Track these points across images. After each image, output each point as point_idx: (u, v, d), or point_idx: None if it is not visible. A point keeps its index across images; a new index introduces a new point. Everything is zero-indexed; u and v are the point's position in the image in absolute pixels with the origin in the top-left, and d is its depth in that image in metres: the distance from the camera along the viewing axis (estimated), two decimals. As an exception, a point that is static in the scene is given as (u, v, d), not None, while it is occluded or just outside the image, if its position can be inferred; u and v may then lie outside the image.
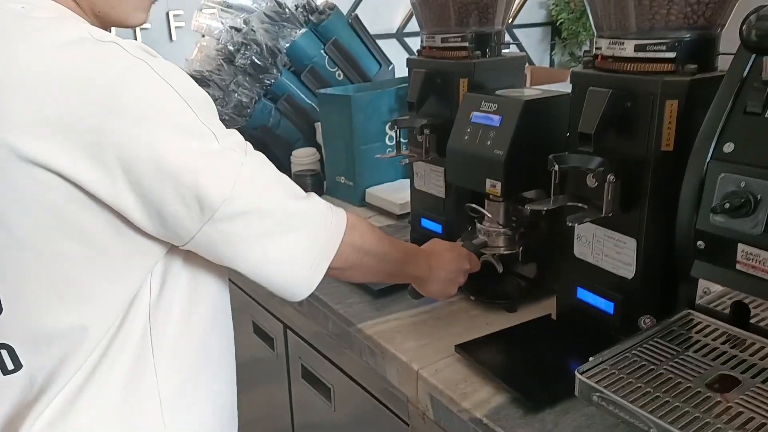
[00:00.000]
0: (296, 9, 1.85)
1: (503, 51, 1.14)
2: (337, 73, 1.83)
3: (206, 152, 0.63)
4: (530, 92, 0.97)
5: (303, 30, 1.80)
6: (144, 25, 3.78)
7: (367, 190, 1.54)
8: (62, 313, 0.65)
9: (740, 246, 0.64)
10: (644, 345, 0.67)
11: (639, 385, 0.60)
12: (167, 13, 4.14)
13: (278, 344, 1.36)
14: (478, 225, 1.03)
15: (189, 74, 1.67)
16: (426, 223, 1.21)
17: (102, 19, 0.71)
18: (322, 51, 1.80)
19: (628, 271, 0.82)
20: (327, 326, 1.08)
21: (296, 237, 0.70)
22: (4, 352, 0.66)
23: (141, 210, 0.62)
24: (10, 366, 0.66)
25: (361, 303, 1.05)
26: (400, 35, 4.89)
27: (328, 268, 0.73)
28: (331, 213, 0.75)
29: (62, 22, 0.63)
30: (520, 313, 0.99)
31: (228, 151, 0.65)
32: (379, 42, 1.98)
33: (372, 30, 1.98)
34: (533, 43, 5.71)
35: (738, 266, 0.65)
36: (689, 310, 0.72)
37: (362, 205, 1.55)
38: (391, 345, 0.92)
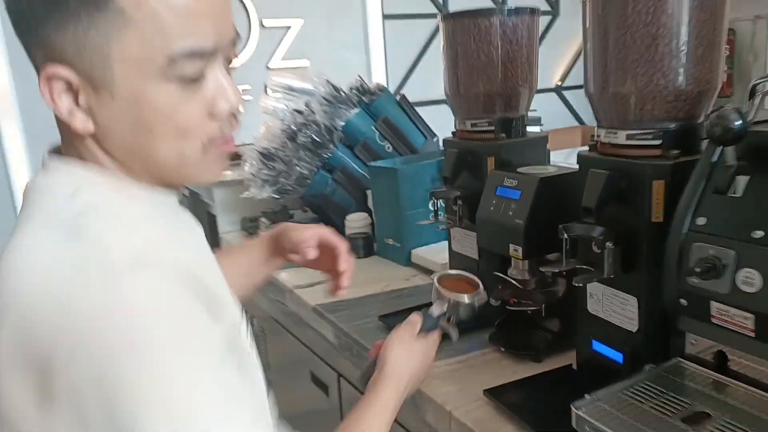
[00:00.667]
0: (350, 91, 2.08)
1: (528, 130, 1.31)
2: (387, 146, 2.03)
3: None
4: (548, 170, 1.13)
5: (356, 110, 2.02)
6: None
7: (412, 251, 1.70)
8: None
9: (713, 303, 0.77)
10: (636, 387, 0.80)
11: (625, 418, 0.73)
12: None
13: (332, 391, 1.51)
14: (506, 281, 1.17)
15: (258, 151, 1.89)
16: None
17: (164, 183, 0.66)
18: (373, 127, 2.01)
19: (632, 325, 0.94)
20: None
21: None
22: None
23: None
24: None
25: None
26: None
27: None
28: None
29: (80, 227, 0.56)
30: (545, 363, 1.12)
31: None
32: (431, 107, 2.18)
33: (424, 97, 2.19)
34: (583, 104, 5.86)
35: (713, 320, 0.78)
36: (679, 359, 0.84)
37: (408, 265, 1.72)
38: (428, 389, 1.06)
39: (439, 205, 1.34)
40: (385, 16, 5.28)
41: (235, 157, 2.44)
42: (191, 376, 0.53)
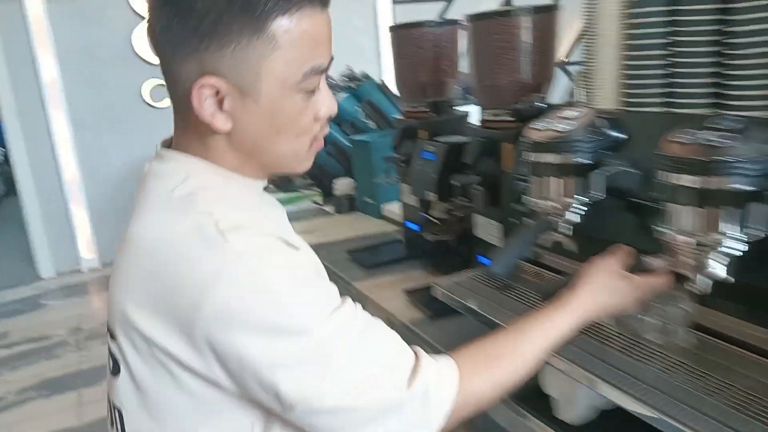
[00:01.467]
0: (340, 78, 2.54)
1: (456, 110, 1.75)
2: (371, 123, 2.49)
3: (291, 350, 0.64)
4: (458, 139, 1.57)
5: (345, 94, 2.47)
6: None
7: (383, 206, 2.17)
8: None
9: (524, 219, 1.21)
10: (479, 276, 1.25)
11: (464, 289, 1.18)
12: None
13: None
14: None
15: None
16: (408, 224, 1.82)
17: (266, 174, 0.79)
18: (358, 108, 2.47)
19: (498, 242, 1.39)
20: None
21: (390, 424, 0.68)
22: None
23: (233, 386, 0.66)
24: None
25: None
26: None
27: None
28: (436, 387, 0.70)
29: (193, 203, 0.69)
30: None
31: (320, 345, 0.65)
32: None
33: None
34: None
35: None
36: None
37: (380, 218, 2.18)
38: (372, 294, 1.53)
39: (390, 167, 1.80)
40: (395, 1, 5.64)
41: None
42: (293, 289, 0.66)
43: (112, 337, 0.74)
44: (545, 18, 1.28)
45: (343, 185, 2.33)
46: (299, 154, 0.76)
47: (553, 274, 1.17)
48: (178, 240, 0.66)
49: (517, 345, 0.79)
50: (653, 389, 0.79)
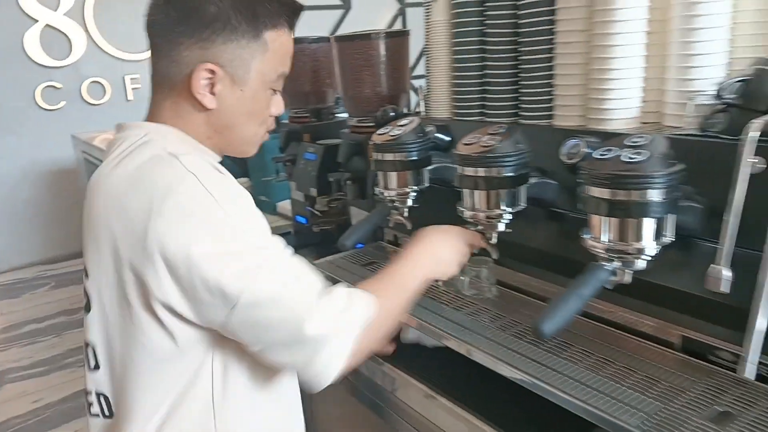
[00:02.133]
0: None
1: (337, 115, 1.99)
2: (264, 126, 2.68)
3: (232, 252, 0.76)
4: (335, 142, 1.81)
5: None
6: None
7: (277, 203, 2.38)
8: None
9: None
10: (352, 256, 1.50)
11: (337, 265, 1.42)
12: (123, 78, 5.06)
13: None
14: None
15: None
16: (297, 218, 2.04)
17: (221, 151, 0.93)
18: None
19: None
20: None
21: (319, 315, 0.80)
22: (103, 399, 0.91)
23: (182, 300, 0.77)
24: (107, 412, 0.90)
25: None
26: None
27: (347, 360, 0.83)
28: (348, 311, 0.83)
29: (148, 144, 0.84)
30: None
31: (254, 249, 0.78)
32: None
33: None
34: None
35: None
36: (380, 242, 1.55)
37: (275, 214, 2.39)
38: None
39: (280, 167, 2.02)
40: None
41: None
42: (236, 200, 0.81)
43: (86, 275, 0.88)
44: (398, 41, 1.55)
45: (242, 185, 2.51)
46: (254, 139, 0.93)
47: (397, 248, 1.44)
48: (138, 168, 0.81)
49: (397, 282, 0.96)
50: (467, 330, 1.07)
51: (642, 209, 0.77)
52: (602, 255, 0.82)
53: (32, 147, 4.82)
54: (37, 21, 4.69)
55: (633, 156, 0.77)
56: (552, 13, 1.13)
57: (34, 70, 4.74)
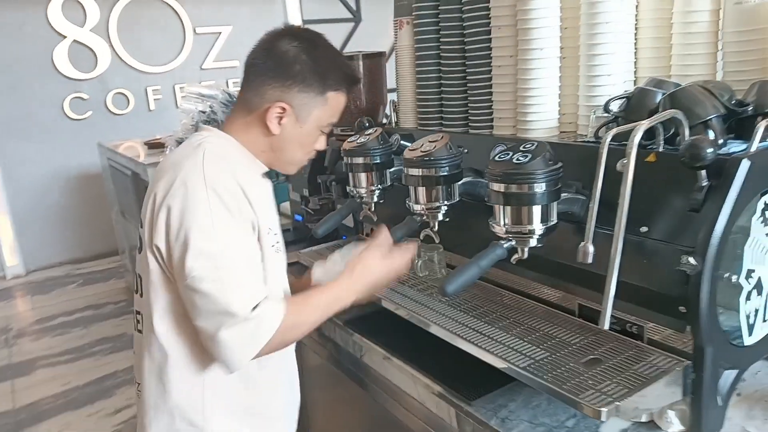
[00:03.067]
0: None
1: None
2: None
3: (200, 247, 1.02)
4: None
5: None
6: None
7: (280, 204, 2.62)
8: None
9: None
10: (333, 247, 1.73)
11: (318, 254, 1.66)
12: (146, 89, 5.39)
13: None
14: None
15: (176, 140, 2.80)
16: (296, 217, 2.29)
17: (270, 165, 1.21)
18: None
19: (350, 222, 1.88)
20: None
21: (232, 328, 1.02)
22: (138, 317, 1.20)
23: (167, 255, 1.06)
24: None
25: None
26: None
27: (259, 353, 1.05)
28: (267, 318, 1.04)
29: (200, 146, 1.12)
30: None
31: (215, 255, 1.03)
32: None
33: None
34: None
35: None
36: (359, 235, 1.79)
37: (280, 214, 2.63)
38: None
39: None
40: (305, 21, 6.10)
41: (160, 145, 3.32)
42: (221, 223, 1.04)
43: (141, 224, 1.16)
44: (375, 61, 1.79)
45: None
46: (298, 162, 1.24)
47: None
48: (179, 159, 1.11)
49: (321, 302, 1.16)
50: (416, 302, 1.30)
51: (527, 198, 0.99)
52: (501, 235, 1.05)
53: (61, 154, 5.17)
54: (65, 37, 5.05)
55: (521, 158, 1.00)
56: (489, 41, 1.37)
57: (62, 83, 5.09)
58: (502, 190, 1.01)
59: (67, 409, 3.03)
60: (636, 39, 1.29)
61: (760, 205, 0.95)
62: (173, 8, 5.45)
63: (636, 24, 1.29)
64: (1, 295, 4.77)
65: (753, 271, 0.98)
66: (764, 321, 1.03)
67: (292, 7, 6.10)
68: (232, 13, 5.74)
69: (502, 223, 1.04)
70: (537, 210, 1.02)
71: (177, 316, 1.11)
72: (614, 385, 0.95)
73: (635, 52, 1.30)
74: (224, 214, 1.05)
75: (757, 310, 1.01)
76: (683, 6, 1.20)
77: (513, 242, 1.04)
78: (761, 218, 0.96)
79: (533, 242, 1.05)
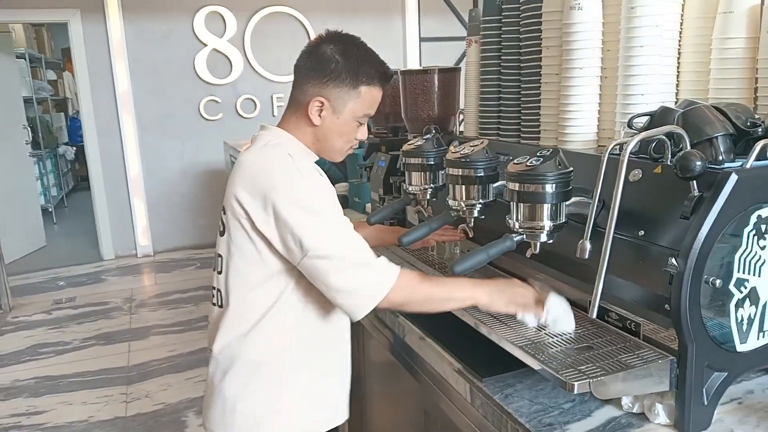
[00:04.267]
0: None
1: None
2: (366, 140, 3.18)
3: (312, 220, 1.20)
4: (396, 153, 2.24)
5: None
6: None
7: (365, 203, 2.85)
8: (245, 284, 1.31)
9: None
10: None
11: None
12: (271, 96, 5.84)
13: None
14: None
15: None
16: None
17: (319, 154, 1.38)
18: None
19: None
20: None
21: (354, 278, 1.20)
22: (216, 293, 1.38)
23: (278, 240, 1.22)
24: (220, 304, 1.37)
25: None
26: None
27: (376, 307, 1.22)
28: (386, 273, 1.22)
29: (280, 146, 1.30)
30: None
31: (326, 220, 1.22)
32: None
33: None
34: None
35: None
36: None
37: (364, 213, 2.86)
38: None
39: (364, 173, 2.48)
40: (422, 39, 6.35)
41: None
42: (320, 192, 1.25)
43: (224, 212, 1.32)
44: (449, 75, 1.96)
45: (340, 188, 3.02)
46: (340, 150, 1.39)
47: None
48: (268, 159, 1.28)
49: (448, 288, 1.28)
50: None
51: (536, 197, 1.12)
52: (515, 230, 1.18)
53: (193, 151, 5.77)
54: (206, 45, 5.65)
55: (534, 162, 1.13)
56: (540, 60, 1.49)
57: (200, 87, 5.69)
58: (516, 188, 1.15)
59: (170, 372, 3.43)
60: (679, 63, 1.37)
61: (753, 219, 1.02)
62: (302, 23, 5.91)
63: (679, 49, 1.36)
64: (132, 270, 5.39)
65: (746, 281, 1.04)
66: (761, 331, 1.08)
67: (412, 23, 6.37)
68: (355, 29, 6.02)
69: (514, 218, 1.17)
70: (546, 208, 1.14)
71: (263, 290, 1.29)
72: (595, 368, 1.05)
73: (678, 75, 1.38)
74: (322, 193, 1.25)
75: (752, 320, 1.07)
76: (720, 33, 1.27)
77: (523, 236, 1.17)
78: (754, 231, 1.02)
79: (543, 238, 1.17)
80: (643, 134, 1.05)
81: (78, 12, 5.29)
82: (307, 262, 1.21)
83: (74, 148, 8.78)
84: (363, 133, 1.39)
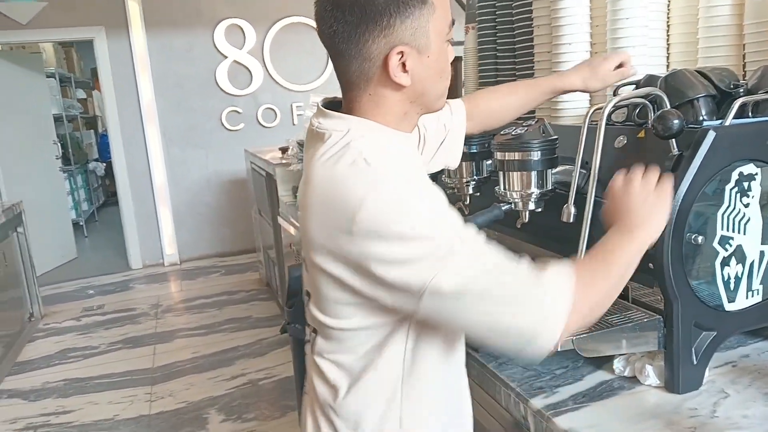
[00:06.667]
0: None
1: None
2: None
3: (414, 255, 0.78)
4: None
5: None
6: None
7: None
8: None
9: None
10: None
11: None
12: (291, 105, 5.94)
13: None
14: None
15: (297, 142, 3.15)
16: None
17: (417, 117, 0.95)
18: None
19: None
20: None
21: (504, 314, 0.81)
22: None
23: (382, 295, 0.82)
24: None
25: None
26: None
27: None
28: (550, 299, 0.81)
29: (348, 147, 0.85)
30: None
31: (441, 246, 0.78)
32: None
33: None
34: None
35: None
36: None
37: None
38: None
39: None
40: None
41: (285, 150, 3.72)
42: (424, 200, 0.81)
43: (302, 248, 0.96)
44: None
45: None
46: (444, 92, 0.96)
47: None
48: (337, 175, 0.83)
49: (610, 265, 0.91)
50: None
51: (521, 165, 1.14)
52: (504, 198, 1.20)
53: (216, 160, 5.89)
54: (226, 57, 5.78)
55: (518, 131, 1.15)
56: (532, 41, 1.52)
57: (222, 98, 5.82)
58: (502, 158, 1.17)
59: (193, 372, 3.50)
60: (668, 35, 1.39)
61: (735, 176, 1.03)
62: (320, 33, 6.00)
63: (668, 20, 1.38)
64: (159, 278, 5.51)
65: (731, 238, 1.04)
66: (750, 290, 1.08)
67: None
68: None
69: (502, 187, 1.19)
70: (533, 176, 1.16)
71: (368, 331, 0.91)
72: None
73: (668, 47, 1.39)
74: (447, 218, 0.83)
75: (739, 278, 1.07)
76: (706, 1, 1.28)
77: (511, 205, 1.19)
78: (736, 188, 1.03)
79: (532, 206, 1.19)
80: (617, 98, 1.07)
81: (103, 29, 5.47)
82: (428, 305, 0.82)
83: (104, 164, 9.02)
84: (452, 53, 0.97)
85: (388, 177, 0.82)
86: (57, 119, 6.95)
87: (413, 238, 0.78)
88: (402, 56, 0.86)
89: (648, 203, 0.95)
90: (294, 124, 6.06)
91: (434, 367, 0.95)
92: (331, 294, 0.89)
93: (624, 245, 0.92)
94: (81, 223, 7.51)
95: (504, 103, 1.29)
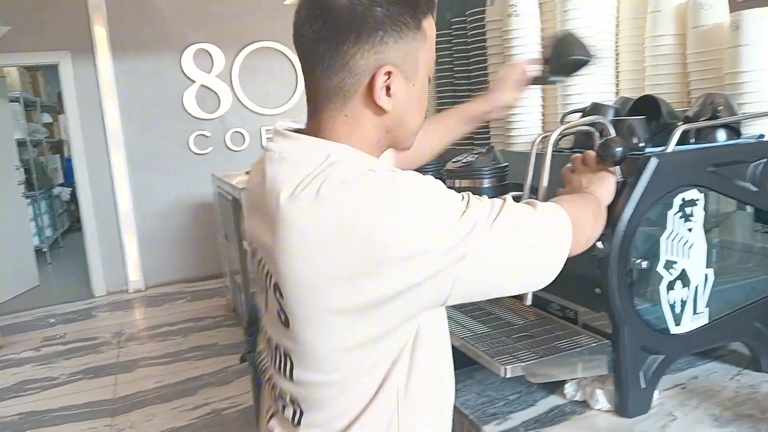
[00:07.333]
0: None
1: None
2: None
3: (442, 263, 0.73)
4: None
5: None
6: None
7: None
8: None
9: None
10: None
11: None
12: (259, 129, 5.96)
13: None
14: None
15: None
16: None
17: (394, 143, 0.87)
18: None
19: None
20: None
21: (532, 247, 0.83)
22: None
23: (413, 298, 0.75)
24: None
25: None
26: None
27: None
28: (560, 225, 0.85)
29: (338, 168, 0.76)
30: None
31: (462, 241, 0.74)
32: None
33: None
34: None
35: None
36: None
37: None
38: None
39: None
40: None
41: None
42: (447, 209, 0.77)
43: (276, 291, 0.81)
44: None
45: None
46: (418, 130, 0.89)
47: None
48: (344, 209, 0.73)
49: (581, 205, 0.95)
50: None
51: (472, 192, 1.15)
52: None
53: (183, 185, 5.83)
54: (194, 81, 5.76)
55: (469, 158, 1.16)
56: (486, 69, 1.55)
57: (189, 122, 5.79)
58: (452, 185, 1.18)
59: (156, 402, 3.41)
60: (617, 63, 1.42)
61: (677, 201, 1.05)
62: (289, 58, 6.01)
63: (616, 50, 1.42)
64: (122, 305, 5.39)
65: (675, 262, 1.06)
66: (695, 313, 1.10)
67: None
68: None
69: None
70: (483, 202, 1.17)
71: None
72: (530, 353, 1.06)
73: (617, 75, 1.43)
74: (448, 199, 0.81)
75: (684, 302, 1.09)
76: (651, 31, 1.33)
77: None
78: (679, 214, 1.05)
79: (483, 232, 1.19)
80: (564, 126, 1.09)
81: (68, 54, 5.41)
82: (462, 276, 0.78)
83: (69, 189, 8.85)
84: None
85: (407, 197, 0.75)
86: (21, 144, 6.83)
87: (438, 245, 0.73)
88: (389, 77, 0.80)
89: (595, 176, 1.03)
90: (263, 148, 6.03)
91: (428, 398, 0.88)
92: (334, 341, 0.78)
93: (584, 195, 1.00)
94: (44, 250, 7.34)
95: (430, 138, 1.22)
